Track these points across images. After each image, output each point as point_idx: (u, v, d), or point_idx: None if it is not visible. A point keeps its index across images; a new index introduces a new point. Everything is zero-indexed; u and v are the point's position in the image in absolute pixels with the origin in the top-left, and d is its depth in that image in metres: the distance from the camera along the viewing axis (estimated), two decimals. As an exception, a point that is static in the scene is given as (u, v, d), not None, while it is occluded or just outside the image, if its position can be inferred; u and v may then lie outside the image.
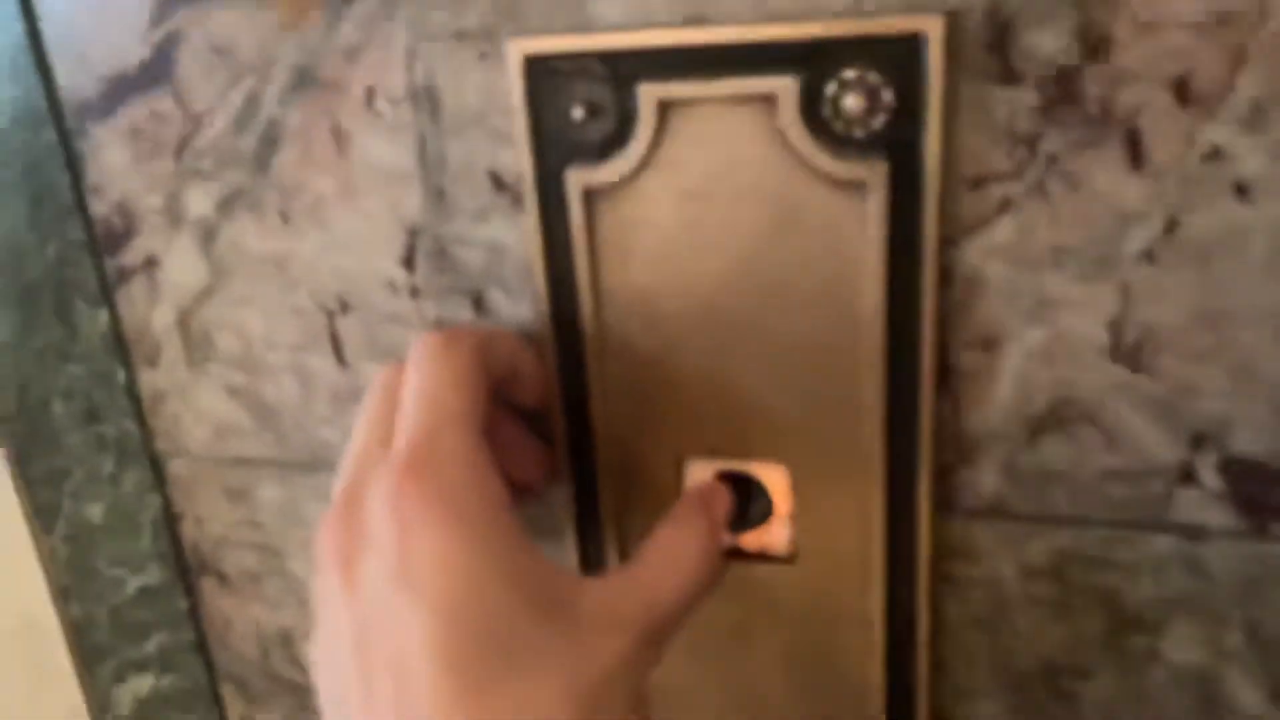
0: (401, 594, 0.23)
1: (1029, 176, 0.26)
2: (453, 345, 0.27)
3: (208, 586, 0.40)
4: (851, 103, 0.26)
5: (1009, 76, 0.25)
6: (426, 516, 0.24)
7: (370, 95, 0.31)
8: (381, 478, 0.25)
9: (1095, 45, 0.25)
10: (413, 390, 0.27)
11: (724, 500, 0.30)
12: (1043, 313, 0.27)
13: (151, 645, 0.41)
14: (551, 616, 0.24)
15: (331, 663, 0.25)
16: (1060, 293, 0.27)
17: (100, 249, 0.35)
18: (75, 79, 0.33)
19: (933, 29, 0.25)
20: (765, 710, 0.34)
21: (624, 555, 0.33)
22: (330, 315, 0.34)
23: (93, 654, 0.42)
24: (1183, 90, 0.24)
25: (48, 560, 0.41)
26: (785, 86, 0.26)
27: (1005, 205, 0.27)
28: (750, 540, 0.32)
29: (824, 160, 0.26)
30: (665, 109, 0.27)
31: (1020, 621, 0.31)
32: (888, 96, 0.25)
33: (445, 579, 0.23)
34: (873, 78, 0.25)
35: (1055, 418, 0.28)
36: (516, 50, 0.28)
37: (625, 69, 0.27)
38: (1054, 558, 0.30)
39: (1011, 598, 0.31)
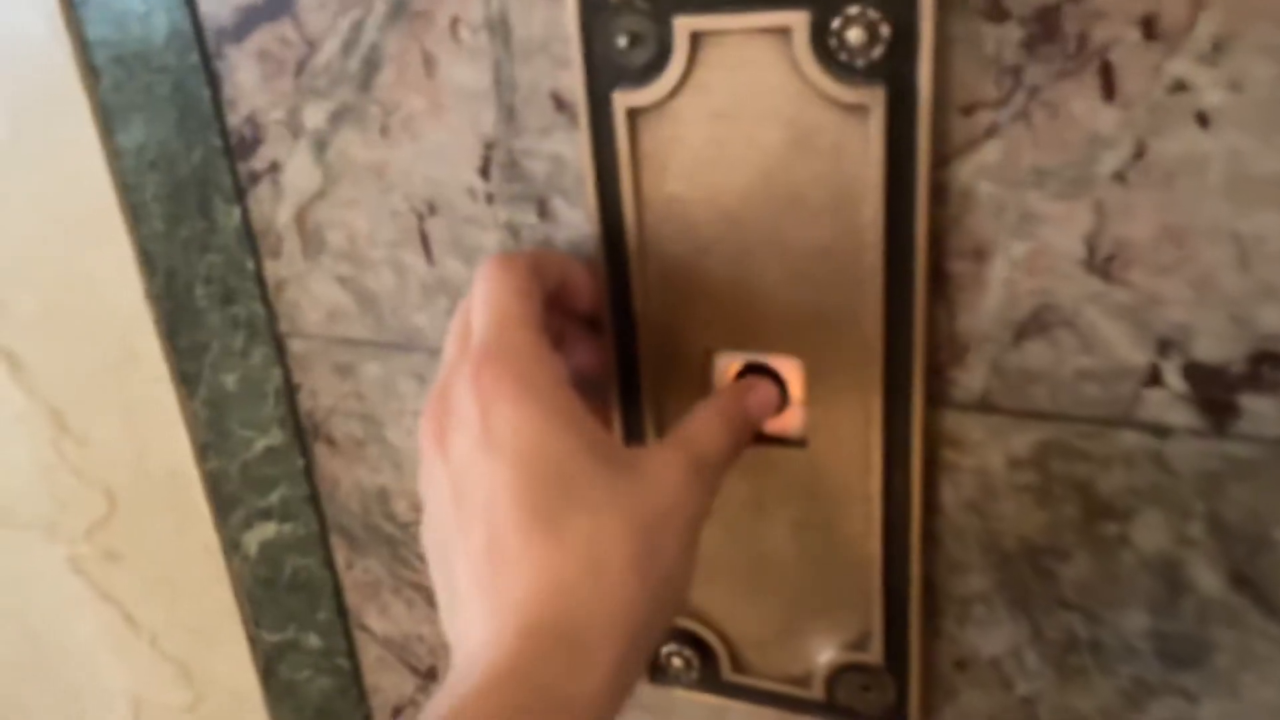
0: (486, 455, 0.29)
1: (1013, 104, 0.29)
2: (507, 263, 0.32)
3: (320, 449, 0.47)
4: (854, 35, 0.29)
5: (996, 14, 0.29)
6: (501, 392, 0.29)
7: (454, 25, 0.36)
8: (463, 370, 0.30)
9: (1073, -15, 0.28)
10: (479, 304, 0.32)
11: (766, 389, 0.35)
12: (1026, 227, 0.31)
13: (274, 497, 0.48)
14: (612, 464, 0.29)
15: (435, 525, 0.31)
16: (1041, 209, 0.30)
17: (234, 155, 0.42)
18: (215, 8, 0.39)
19: (925, -30, 0.28)
20: (776, 575, 0.38)
21: (660, 432, 0.38)
22: (420, 217, 0.40)
23: (226, 503, 0.50)
24: (1150, 28, 0.27)
25: (191, 421, 0.49)
26: (798, 20, 0.30)
27: (992, 129, 0.30)
28: (769, 424, 0.36)
29: (831, 86, 0.30)
30: (697, 39, 0.31)
31: (1006, 505, 0.35)
32: (885, 30, 0.29)
33: (520, 439, 0.29)
34: (872, 13, 0.29)
35: (1037, 322, 0.32)
36: (572, -14, 0.32)
37: (663, 3, 0.31)
38: (1035, 449, 0.33)
39: (998, 484, 0.34)
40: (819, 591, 0.38)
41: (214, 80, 0.41)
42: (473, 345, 0.31)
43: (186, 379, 0.48)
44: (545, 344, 0.31)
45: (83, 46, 0.42)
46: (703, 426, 0.32)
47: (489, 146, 0.37)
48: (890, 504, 0.35)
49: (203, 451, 0.49)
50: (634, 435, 0.38)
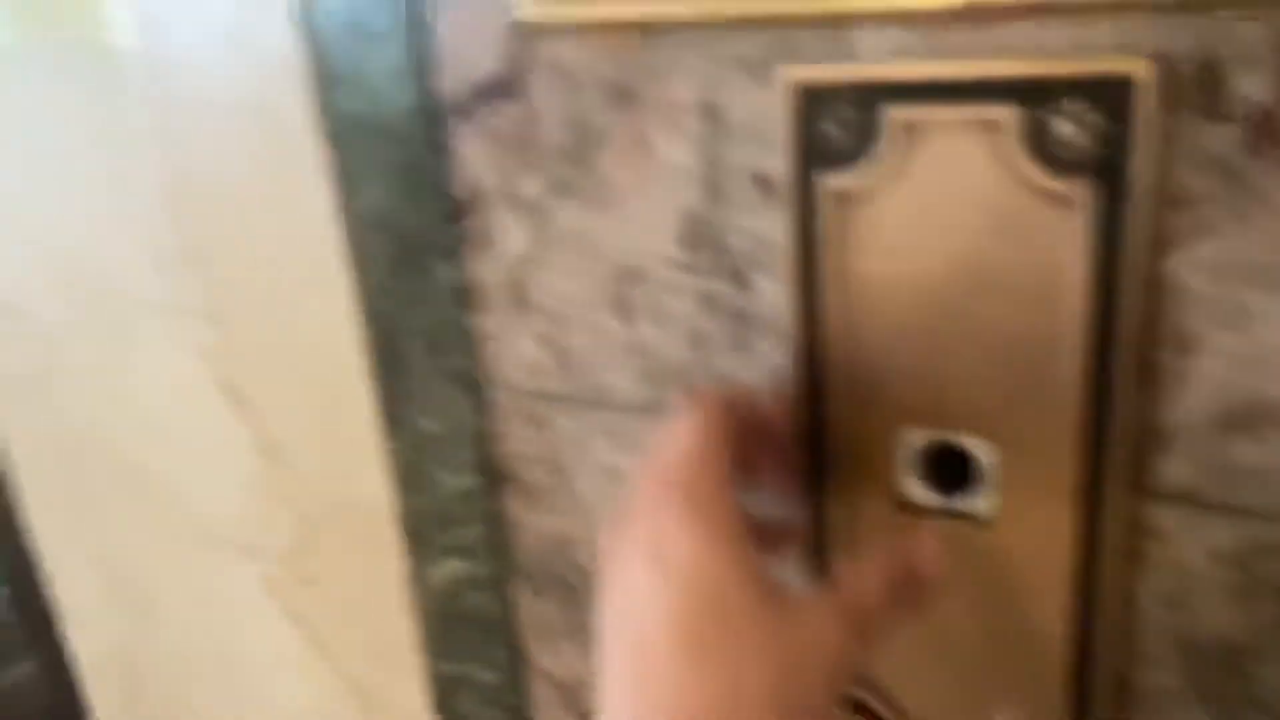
0: (651, 576, 0.31)
1: (1229, 202, 0.29)
2: (700, 401, 0.35)
3: (509, 494, 0.50)
4: (1066, 130, 0.30)
5: (1214, 113, 0.29)
6: (678, 519, 0.31)
7: (670, 109, 0.38)
8: (647, 497, 0.33)
9: (1297, 87, 0.28)
10: (671, 438, 0.34)
11: (933, 548, 0.34)
12: (1238, 322, 0.31)
13: (463, 536, 0.51)
14: (770, 603, 0.30)
15: (600, 638, 0.32)
16: (1255, 305, 0.30)
17: (456, 219, 0.45)
18: (451, 86, 0.43)
19: (1140, 71, 0.29)
20: (956, 653, 0.38)
21: (850, 530, 0.38)
22: (621, 283, 0.42)
23: (417, 538, 0.53)
24: (1380, 130, 0.27)
25: (393, 460, 0.52)
26: (1008, 114, 0.31)
27: (1205, 225, 0.30)
28: (957, 502, 0.37)
29: (1039, 177, 0.31)
30: (904, 128, 0.33)
31: (1203, 602, 0.34)
32: (1099, 126, 0.30)
33: (688, 564, 0.30)
34: (1086, 111, 0.30)
35: (1246, 418, 0.31)
36: (786, 76, 0.34)
37: (873, 94, 0.33)
38: (1239, 546, 0.33)
39: (1196, 579, 0.34)
40: (999, 674, 0.38)
41: (444, 151, 0.44)
42: (660, 475, 0.33)
43: (392, 421, 0.51)
44: (726, 482, 0.33)
45: (331, 117, 0.47)
46: (864, 583, 0.33)
47: (693, 221, 0.39)
48: (1081, 591, 0.35)
49: (401, 489, 0.53)
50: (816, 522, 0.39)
